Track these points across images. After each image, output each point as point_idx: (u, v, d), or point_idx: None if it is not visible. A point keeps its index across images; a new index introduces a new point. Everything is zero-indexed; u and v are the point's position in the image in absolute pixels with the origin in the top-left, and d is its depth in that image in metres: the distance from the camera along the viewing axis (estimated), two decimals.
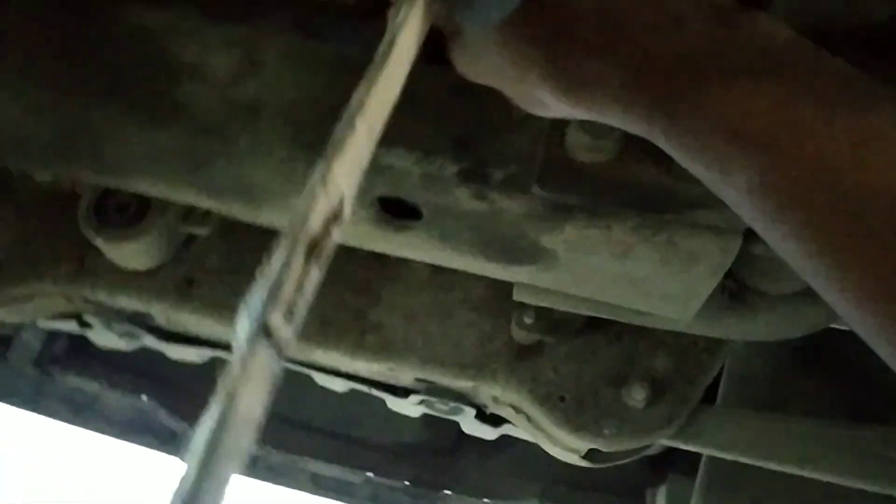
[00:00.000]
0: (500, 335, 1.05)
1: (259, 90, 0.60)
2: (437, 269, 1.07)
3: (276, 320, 0.25)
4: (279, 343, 0.26)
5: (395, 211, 0.63)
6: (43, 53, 0.61)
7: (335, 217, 0.29)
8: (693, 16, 0.40)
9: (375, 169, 0.59)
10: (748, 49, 0.39)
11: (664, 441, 1.06)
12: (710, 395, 1.17)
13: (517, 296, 0.76)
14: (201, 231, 1.04)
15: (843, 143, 0.35)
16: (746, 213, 0.40)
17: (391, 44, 0.33)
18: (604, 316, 0.79)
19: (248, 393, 0.25)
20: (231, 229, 1.05)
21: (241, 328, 0.26)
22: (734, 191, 0.39)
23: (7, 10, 0.60)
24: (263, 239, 1.05)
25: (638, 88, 0.40)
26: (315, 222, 0.27)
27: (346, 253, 1.05)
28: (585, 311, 0.80)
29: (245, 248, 1.08)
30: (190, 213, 1.03)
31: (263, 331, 0.25)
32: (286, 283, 0.26)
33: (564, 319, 1.01)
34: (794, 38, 0.39)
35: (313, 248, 0.27)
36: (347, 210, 0.29)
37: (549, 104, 0.43)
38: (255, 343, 0.25)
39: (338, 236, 0.29)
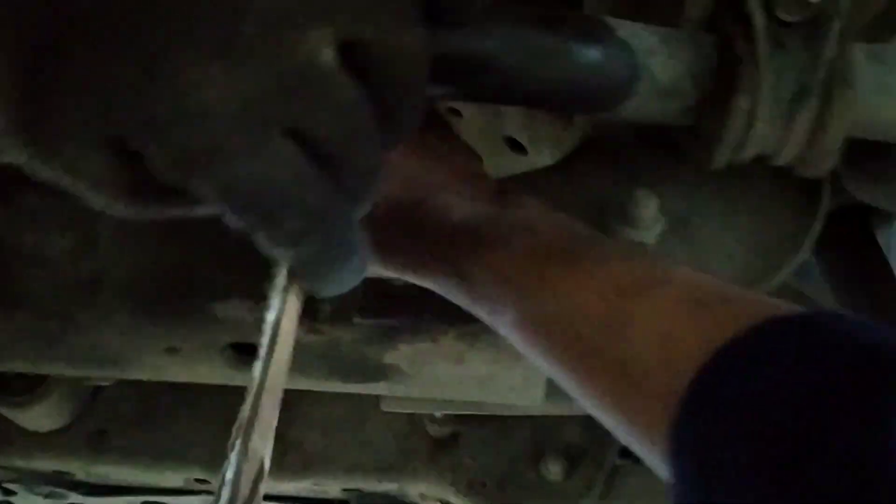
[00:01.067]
0: (415, 432, 1.08)
1: (95, 267, 0.64)
2: None
3: None
4: None
5: (250, 350, 0.66)
6: None
7: (260, 475, 0.35)
8: (476, 197, 0.55)
9: (215, 321, 0.63)
10: (513, 220, 0.52)
11: None
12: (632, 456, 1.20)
13: (385, 406, 0.80)
14: (106, 381, 1.05)
15: (571, 289, 0.47)
16: (513, 342, 0.52)
17: (276, 331, 0.40)
18: (469, 412, 0.83)
19: None
20: None
21: None
22: (503, 326, 0.51)
23: None
24: (172, 382, 1.07)
25: (435, 254, 0.53)
26: (245, 487, 0.32)
27: None
28: (450, 411, 0.83)
29: (154, 392, 1.09)
30: None
31: None
32: None
33: None
34: (545, 211, 0.53)
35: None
36: (267, 465, 0.36)
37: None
38: None
39: (263, 490, 0.34)
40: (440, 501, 1.11)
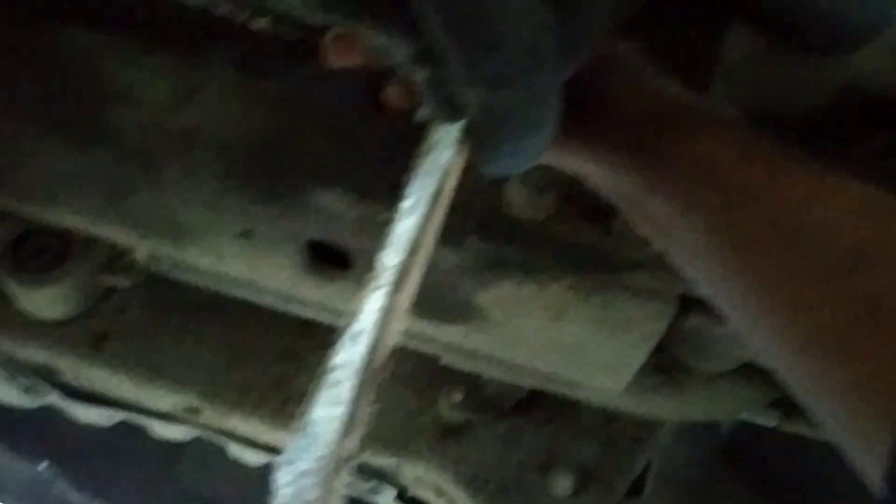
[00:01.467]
0: (426, 412, 1.02)
1: (194, 120, 0.58)
2: None
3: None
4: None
5: (326, 259, 0.61)
6: None
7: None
8: (667, 84, 0.45)
9: (307, 210, 0.57)
10: (714, 114, 0.43)
11: None
12: (634, 490, 1.15)
13: (447, 359, 0.74)
14: (122, 283, 0.99)
15: (795, 190, 0.37)
16: (700, 257, 0.41)
17: (437, 196, 0.37)
18: (534, 385, 0.77)
19: None
20: (155, 283, 1.01)
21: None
22: (690, 229, 0.41)
23: None
24: (187, 296, 1.01)
25: (627, 132, 0.43)
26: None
27: (271, 319, 1.01)
28: (516, 380, 0.78)
29: (167, 304, 1.04)
30: (112, 264, 0.99)
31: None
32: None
33: (494, 399, 0.99)
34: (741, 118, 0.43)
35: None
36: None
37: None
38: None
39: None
40: (435, 489, 1.05)
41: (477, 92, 0.32)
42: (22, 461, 1.54)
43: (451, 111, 0.36)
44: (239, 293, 0.94)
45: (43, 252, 0.95)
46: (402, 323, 0.35)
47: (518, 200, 0.54)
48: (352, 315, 0.38)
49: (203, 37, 0.60)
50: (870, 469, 0.34)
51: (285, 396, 1.03)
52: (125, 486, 1.57)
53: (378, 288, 0.38)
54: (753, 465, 1.29)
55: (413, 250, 0.35)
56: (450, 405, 0.99)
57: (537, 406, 1.02)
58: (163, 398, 1.04)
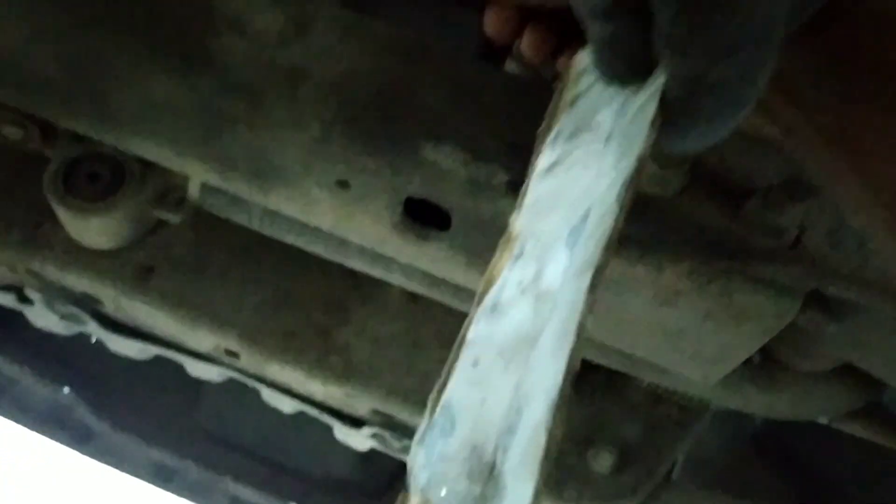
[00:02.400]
0: None
1: (304, 57, 0.55)
2: (413, 298, 1.01)
3: None
4: None
5: (419, 214, 0.58)
6: None
7: None
8: None
9: (415, 164, 0.54)
10: None
11: None
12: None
13: None
14: (174, 218, 0.97)
15: None
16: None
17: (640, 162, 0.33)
18: (621, 369, 0.75)
19: None
20: (204, 221, 0.98)
21: None
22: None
23: None
24: (236, 237, 0.98)
25: None
26: None
27: (319, 267, 0.99)
28: (602, 361, 0.75)
29: (215, 244, 1.01)
30: (164, 197, 0.96)
31: None
32: None
33: None
34: None
35: None
36: None
37: None
38: None
39: None
40: None
41: (693, 62, 0.29)
42: (45, 385, 1.53)
43: (621, 70, 0.32)
44: (291, 239, 0.91)
45: (95, 180, 0.92)
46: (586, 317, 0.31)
47: (646, 176, 0.50)
48: (488, 282, 0.35)
49: None
50: None
51: (328, 347, 1.01)
52: (144, 418, 1.57)
53: (517, 257, 0.35)
54: (783, 452, 1.28)
55: (607, 244, 0.31)
56: None
57: (583, 381, 1.00)
58: (203, 338, 1.02)
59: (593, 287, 0.32)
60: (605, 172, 0.35)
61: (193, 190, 0.94)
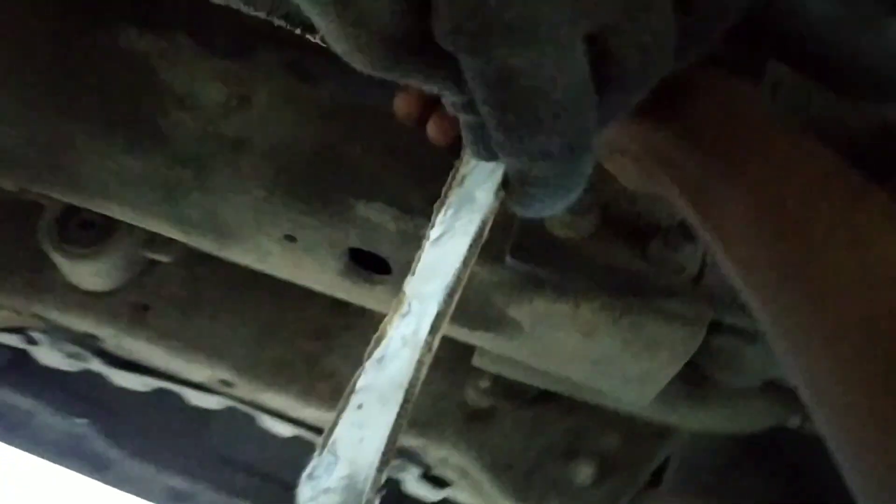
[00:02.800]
0: (453, 396, 1.04)
1: (245, 127, 0.60)
2: None
3: None
4: None
5: (365, 263, 0.63)
6: (29, 62, 0.60)
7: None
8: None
9: (350, 220, 0.59)
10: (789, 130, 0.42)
11: None
12: (653, 480, 1.17)
13: (477, 361, 0.76)
14: (164, 258, 1.02)
15: (869, 224, 0.37)
16: (756, 260, 0.41)
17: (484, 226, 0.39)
18: (561, 391, 0.79)
19: None
20: (194, 260, 1.04)
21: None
22: (757, 237, 0.40)
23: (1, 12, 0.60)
24: (226, 272, 1.03)
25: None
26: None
27: (305, 297, 1.04)
28: (543, 385, 0.79)
29: (206, 280, 1.06)
30: (154, 239, 1.02)
31: None
32: None
33: (519, 388, 1.01)
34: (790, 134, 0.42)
35: None
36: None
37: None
38: None
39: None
40: (459, 470, 1.07)
41: (517, 160, 0.33)
42: (62, 418, 1.60)
43: (489, 155, 0.37)
44: (276, 273, 0.96)
45: (88, 227, 0.98)
46: (431, 355, 0.36)
47: (556, 220, 0.55)
48: (378, 339, 0.40)
49: (256, 40, 0.62)
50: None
51: (315, 375, 1.06)
52: (158, 444, 1.62)
53: (404, 315, 0.40)
54: (775, 458, 1.30)
55: (450, 292, 0.36)
56: (476, 391, 1.01)
57: (562, 396, 1.04)
58: (198, 370, 1.07)
59: (433, 329, 0.37)
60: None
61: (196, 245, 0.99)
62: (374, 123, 0.60)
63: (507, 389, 1.01)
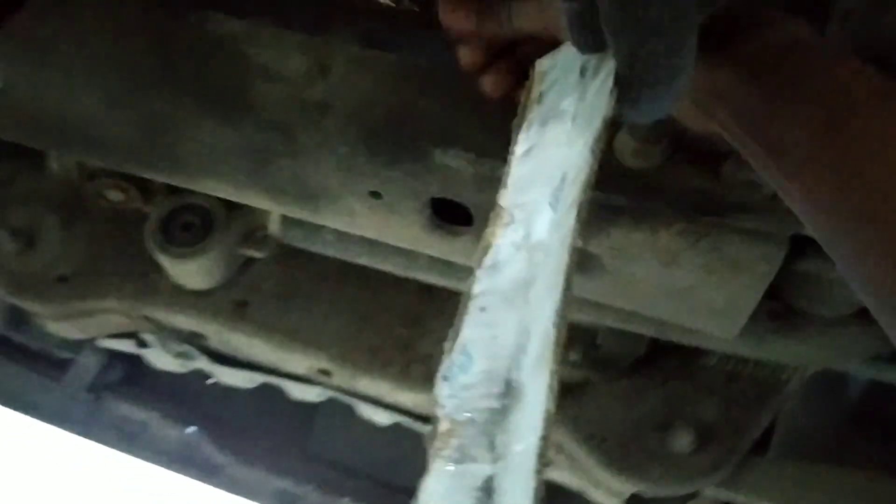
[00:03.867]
0: None
1: (327, 92, 0.64)
2: None
3: None
4: None
5: (448, 218, 0.65)
6: (126, 47, 0.66)
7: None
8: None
9: (430, 169, 0.62)
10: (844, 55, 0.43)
11: (710, 491, 1.04)
12: (759, 447, 1.15)
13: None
14: (259, 254, 1.08)
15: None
16: (813, 183, 0.42)
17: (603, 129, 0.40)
18: (649, 333, 0.79)
19: None
20: (288, 256, 1.09)
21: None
22: (814, 162, 0.42)
23: (100, 9, 0.66)
24: (318, 265, 1.08)
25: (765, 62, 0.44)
26: None
27: (396, 284, 1.07)
28: (630, 327, 0.80)
29: (300, 274, 1.11)
30: (249, 236, 1.07)
31: None
32: None
33: (611, 358, 1.01)
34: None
35: None
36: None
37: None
38: None
39: None
40: (555, 446, 1.08)
41: (631, 35, 0.35)
42: (173, 427, 1.68)
43: (595, 44, 0.39)
44: (364, 260, 1.00)
45: (188, 229, 1.04)
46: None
47: (627, 151, 0.56)
48: (485, 248, 0.41)
49: (330, 17, 0.66)
50: None
51: (410, 359, 1.09)
52: (264, 448, 1.68)
53: (508, 224, 0.42)
54: (884, 426, 1.25)
55: (573, 195, 0.38)
56: (567, 364, 1.02)
57: (656, 366, 1.03)
58: (297, 361, 1.12)
59: (579, 216, 0.38)
60: (575, 143, 0.42)
61: (274, 227, 1.04)
62: (443, 81, 0.63)
63: (598, 361, 1.02)
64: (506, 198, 0.44)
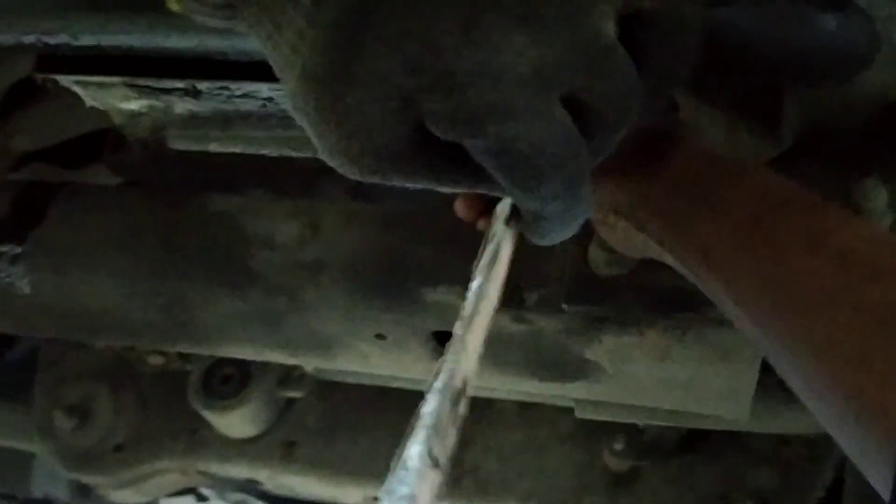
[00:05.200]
0: (594, 465, 1.05)
1: (320, 252, 0.69)
2: (524, 406, 1.09)
3: (439, 451, 0.34)
4: (441, 468, 0.34)
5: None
6: (139, 240, 0.73)
7: (461, 395, 0.37)
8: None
9: (425, 307, 0.66)
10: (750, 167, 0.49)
11: None
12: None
13: (580, 413, 0.78)
14: (298, 394, 1.11)
15: (826, 222, 0.43)
16: (735, 274, 0.46)
17: (493, 262, 0.43)
18: (666, 423, 0.79)
19: None
20: (326, 390, 1.12)
21: (411, 462, 0.34)
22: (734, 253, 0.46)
23: (111, 211, 0.73)
24: (358, 394, 1.11)
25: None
26: (445, 406, 0.36)
27: None
28: (648, 421, 0.80)
29: (342, 405, 1.14)
30: (287, 378, 1.11)
31: (431, 462, 0.33)
32: (441, 423, 0.35)
33: (656, 442, 1.01)
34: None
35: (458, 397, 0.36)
36: (470, 386, 0.38)
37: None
38: (423, 473, 0.34)
39: (464, 408, 0.37)
40: None
41: (531, 205, 0.39)
42: None
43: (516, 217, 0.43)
44: (398, 384, 1.02)
45: (228, 381, 1.08)
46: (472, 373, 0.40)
47: (602, 261, 0.59)
48: (437, 373, 0.43)
49: (319, 174, 0.71)
50: (876, 482, 0.37)
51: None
52: None
53: (452, 353, 0.44)
54: None
55: (472, 315, 0.41)
56: (614, 454, 1.02)
57: (705, 441, 1.02)
58: (350, 493, 1.13)
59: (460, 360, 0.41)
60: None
61: (309, 366, 1.08)
62: (429, 222, 0.68)
63: (644, 446, 1.01)
64: (455, 329, 0.46)
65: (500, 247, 0.42)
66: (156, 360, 1.14)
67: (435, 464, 0.34)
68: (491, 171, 0.38)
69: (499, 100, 0.35)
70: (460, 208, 0.50)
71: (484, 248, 0.46)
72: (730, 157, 0.50)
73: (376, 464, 1.11)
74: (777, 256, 0.42)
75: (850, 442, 0.40)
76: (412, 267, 0.66)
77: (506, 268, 0.42)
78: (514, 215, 0.42)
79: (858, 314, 0.38)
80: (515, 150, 0.36)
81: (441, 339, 0.69)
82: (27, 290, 0.74)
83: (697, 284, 0.49)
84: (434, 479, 0.35)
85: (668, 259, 0.51)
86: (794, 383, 0.43)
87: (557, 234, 0.41)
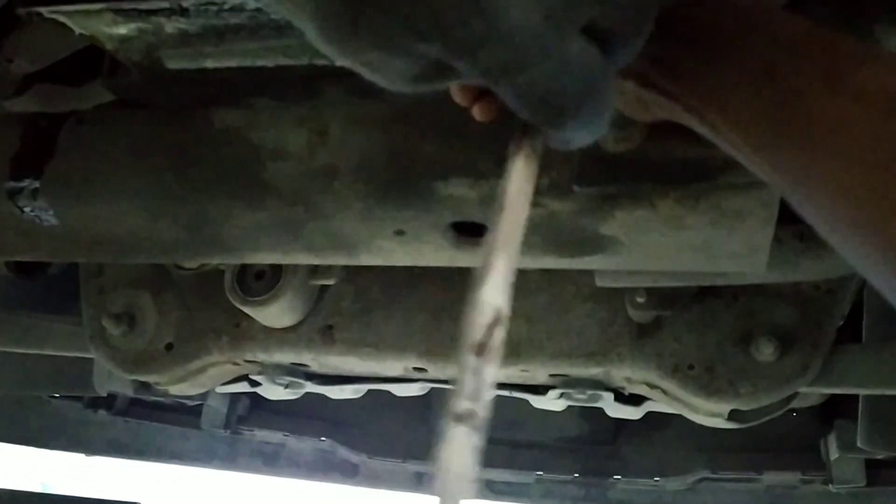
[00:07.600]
0: (618, 319, 1.09)
1: (330, 156, 0.70)
2: (546, 272, 1.12)
3: (465, 407, 0.36)
4: (474, 422, 0.36)
5: (468, 230, 0.71)
6: (152, 164, 0.74)
7: (497, 322, 0.39)
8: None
9: (438, 200, 0.67)
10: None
11: (804, 389, 1.06)
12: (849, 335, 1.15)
13: (600, 281, 0.81)
14: (329, 281, 1.15)
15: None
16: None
17: (514, 190, 0.45)
18: (685, 283, 0.82)
19: (457, 458, 0.36)
20: (356, 273, 1.16)
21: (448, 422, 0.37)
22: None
23: (118, 136, 0.75)
24: (388, 275, 1.15)
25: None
26: (478, 333, 0.38)
27: (459, 276, 1.13)
28: (666, 283, 0.83)
29: (373, 287, 1.19)
30: (317, 268, 1.15)
31: (459, 419, 0.36)
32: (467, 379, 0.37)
33: (675, 292, 1.04)
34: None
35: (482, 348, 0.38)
36: (505, 315, 0.39)
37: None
38: (456, 429, 0.36)
39: (501, 335, 0.39)
40: (646, 384, 1.12)
41: (561, 135, 0.42)
42: (308, 440, 1.82)
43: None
44: (403, 263, 1.06)
45: (261, 277, 1.13)
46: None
47: (608, 140, 0.60)
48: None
49: (320, 78, 0.71)
50: None
51: None
52: (392, 439, 1.80)
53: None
54: None
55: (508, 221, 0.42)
56: (636, 307, 1.05)
57: (722, 286, 1.06)
58: (392, 366, 1.20)
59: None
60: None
61: (335, 264, 1.11)
62: (433, 114, 0.68)
63: (664, 297, 1.05)
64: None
65: (525, 160, 0.44)
66: (191, 264, 1.18)
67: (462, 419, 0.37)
68: (526, 116, 0.41)
69: (510, 57, 0.37)
70: (456, 94, 0.52)
71: (511, 165, 0.47)
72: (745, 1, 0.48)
73: (411, 337, 1.16)
74: (794, 101, 0.43)
75: (880, 278, 0.42)
76: (422, 162, 0.67)
77: (529, 194, 0.44)
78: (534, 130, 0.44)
79: (876, 151, 0.39)
80: (535, 96, 0.39)
81: (459, 229, 0.71)
82: (54, 221, 0.77)
83: (712, 139, 0.50)
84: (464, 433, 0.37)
85: (683, 117, 0.51)
86: (820, 225, 0.45)
87: (582, 143, 0.43)
